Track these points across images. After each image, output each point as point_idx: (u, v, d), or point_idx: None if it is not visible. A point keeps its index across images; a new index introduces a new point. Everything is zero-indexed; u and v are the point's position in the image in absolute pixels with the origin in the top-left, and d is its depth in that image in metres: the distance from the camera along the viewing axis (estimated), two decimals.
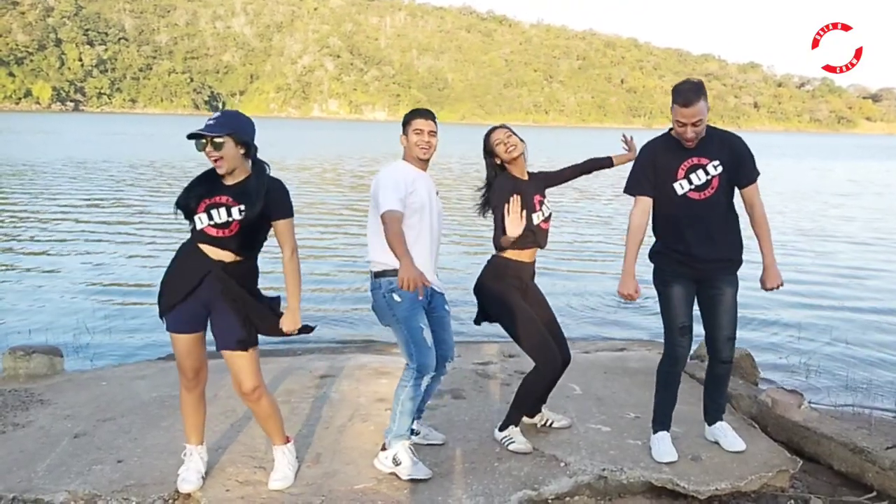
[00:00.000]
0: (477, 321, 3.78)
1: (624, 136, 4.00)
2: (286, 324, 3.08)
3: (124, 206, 15.84)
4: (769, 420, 4.17)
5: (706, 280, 3.50)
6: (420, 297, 3.17)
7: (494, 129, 3.70)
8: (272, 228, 3.09)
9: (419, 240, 3.33)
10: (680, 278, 3.48)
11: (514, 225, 3.44)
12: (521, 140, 3.64)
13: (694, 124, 3.29)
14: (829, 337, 7.17)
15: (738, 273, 3.56)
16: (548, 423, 3.91)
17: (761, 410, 4.25)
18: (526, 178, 3.70)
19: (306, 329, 3.14)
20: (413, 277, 2.93)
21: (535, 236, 3.61)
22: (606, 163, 3.97)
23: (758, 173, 3.48)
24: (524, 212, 3.51)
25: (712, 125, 3.48)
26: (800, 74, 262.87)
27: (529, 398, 3.67)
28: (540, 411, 3.91)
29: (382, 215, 3.23)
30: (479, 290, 3.69)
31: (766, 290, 3.49)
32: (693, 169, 3.39)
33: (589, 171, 3.96)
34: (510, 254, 3.59)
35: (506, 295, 3.57)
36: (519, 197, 3.48)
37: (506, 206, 3.45)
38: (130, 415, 4.04)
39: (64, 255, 10.57)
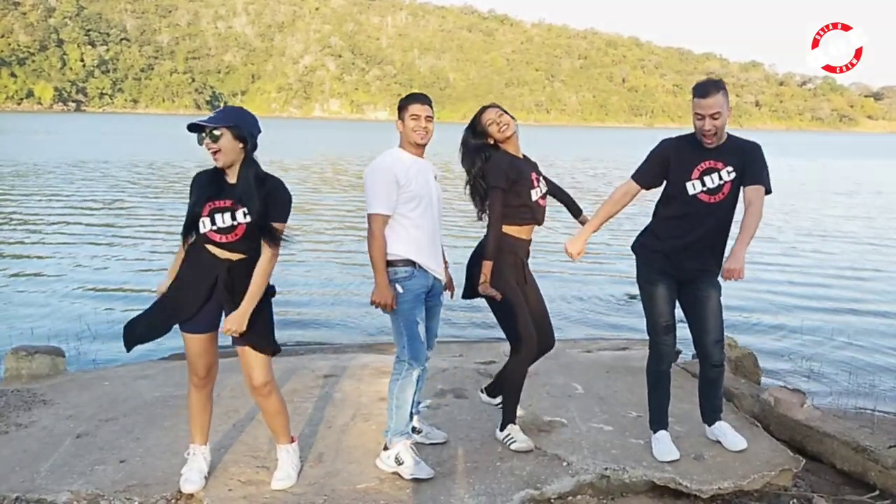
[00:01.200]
0: (465, 296, 3.67)
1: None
2: (229, 322, 2.95)
3: (127, 208, 15.84)
4: (771, 419, 4.17)
5: (689, 282, 3.53)
6: (389, 311, 3.25)
7: (485, 109, 3.66)
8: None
9: (420, 227, 3.32)
10: (664, 277, 3.51)
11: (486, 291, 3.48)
12: (513, 118, 3.62)
13: (712, 116, 3.29)
14: (834, 340, 7.13)
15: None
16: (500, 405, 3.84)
17: (763, 409, 4.25)
18: (521, 157, 3.68)
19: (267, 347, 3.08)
20: (384, 302, 3.22)
21: (533, 213, 3.60)
22: (575, 211, 3.94)
23: (768, 186, 3.37)
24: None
25: (735, 135, 3.47)
26: (801, 73, 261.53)
27: (517, 387, 3.64)
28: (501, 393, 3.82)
29: (368, 218, 3.25)
30: (473, 265, 3.61)
31: (723, 271, 3.27)
32: (708, 172, 3.39)
33: (560, 201, 3.95)
34: (509, 230, 3.55)
35: (498, 273, 3.52)
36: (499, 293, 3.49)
37: (488, 289, 3.46)
38: (133, 415, 4.04)
39: (67, 256, 10.57)
